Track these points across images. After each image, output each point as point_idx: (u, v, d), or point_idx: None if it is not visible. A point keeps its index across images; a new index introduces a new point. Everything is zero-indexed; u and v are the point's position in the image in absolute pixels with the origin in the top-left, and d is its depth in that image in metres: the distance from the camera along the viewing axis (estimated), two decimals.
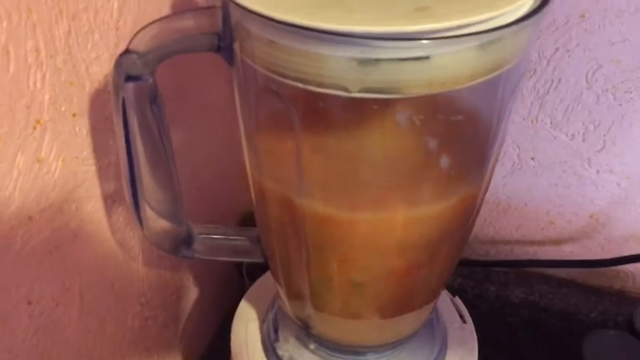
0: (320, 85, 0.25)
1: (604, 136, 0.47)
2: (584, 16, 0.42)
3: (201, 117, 0.49)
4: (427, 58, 0.24)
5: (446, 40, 0.23)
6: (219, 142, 0.54)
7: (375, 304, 0.35)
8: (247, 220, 0.61)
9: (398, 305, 0.36)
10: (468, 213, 0.33)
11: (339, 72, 0.24)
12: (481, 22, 0.23)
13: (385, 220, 0.30)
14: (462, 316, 0.45)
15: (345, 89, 0.24)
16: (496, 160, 0.32)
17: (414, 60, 0.24)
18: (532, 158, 0.50)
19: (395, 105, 0.25)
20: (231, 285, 0.63)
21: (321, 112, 0.26)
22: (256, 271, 0.49)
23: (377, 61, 0.23)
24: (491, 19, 0.24)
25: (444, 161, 0.28)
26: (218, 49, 0.29)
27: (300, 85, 0.25)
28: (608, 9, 0.42)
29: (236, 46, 0.28)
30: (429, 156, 0.28)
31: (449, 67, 0.24)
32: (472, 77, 0.25)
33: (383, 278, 0.34)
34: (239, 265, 0.64)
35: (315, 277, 0.34)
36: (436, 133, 0.27)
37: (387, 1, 0.25)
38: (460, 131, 0.28)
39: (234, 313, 0.45)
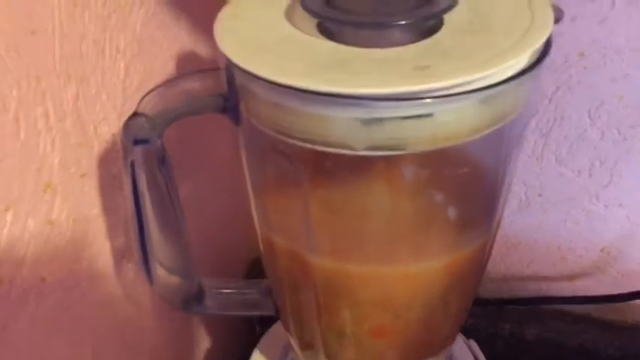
0: (326, 144, 0.25)
1: (610, 170, 0.47)
2: (583, 54, 0.43)
3: (207, 172, 0.49)
4: (430, 115, 0.24)
5: (448, 98, 0.23)
6: (225, 196, 0.54)
7: (390, 354, 0.35)
8: (255, 267, 0.61)
9: (413, 353, 0.36)
10: (479, 260, 0.33)
11: (344, 132, 0.24)
12: (481, 78, 0.24)
13: (395, 273, 0.30)
14: (477, 359, 0.44)
15: (351, 148, 0.25)
16: (503, 206, 0.33)
17: (417, 118, 0.24)
18: (539, 195, 0.50)
19: (400, 161, 0.26)
20: (242, 333, 0.63)
21: (328, 170, 0.26)
22: (267, 318, 0.49)
23: (381, 120, 0.24)
24: (490, 75, 0.24)
25: (452, 213, 0.28)
26: (224, 110, 0.29)
27: (306, 145, 0.25)
28: (607, 46, 0.42)
29: (242, 106, 0.28)
30: (437, 209, 0.28)
31: (451, 122, 0.25)
32: (475, 131, 0.26)
33: (397, 329, 0.33)
34: None
35: (327, 329, 0.34)
36: (442, 186, 0.27)
37: (387, 62, 0.25)
38: (466, 183, 0.28)
39: None
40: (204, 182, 0.49)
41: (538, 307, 0.54)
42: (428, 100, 0.23)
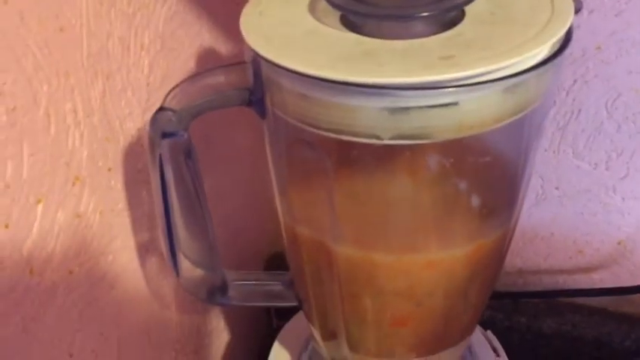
0: (352, 134, 0.25)
1: (627, 163, 0.47)
2: (600, 47, 0.43)
3: (229, 165, 0.50)
4: (455, 104, 0.24)
5: (472, 87, 0.24)
6: (245, 191, 0.55)
7: (411, 343, 0.36)
8: (275, 260, 0.62)
9: (434, 343, 0.36)
10: (499, 249, 0.34)
11: (371, 121, 0.25)
12: (505, 67, 0.24)
13: (418, 262, 0.30)
14: (495, 350, 0.45)
15: (377, 137, 0.25)
16: (524, 197, 0.33)
17: (442, 107, 0.24)
18: (556, 188, 0.50)
19: (425, 150, 0.26)
20: (260, 326, 0.63)
21: (354, 160, 0.27)
22: (285, 311, 0.49)
23: (407, 109, 0.24)
24: (513, 64, 0.24)
25: (475, 202, 0.29)
26: (249, 104, 0.30)
27: (333, 135, 0.26)
28: (624, 39, 0.42)
29: (267, 99, 0.29)
30: (460, 198, 0.28)
31: (476, 111, 0.25)
32: (498, 119, 0.26)
33: (419, 317, 0.34)
34: (267, 306, 0.64)
35: (350, 319, 0.35)
36: (466, 175, 0.28)
37: (412, 52, 0.26)
38: (488, 172, 0.28)
39: (266, 356, 0.45)
40: (226, 177, 0.49)
41: (554, 301, 0.54)
42: (453, 89, 0.24)
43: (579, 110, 0.46)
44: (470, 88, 0.24)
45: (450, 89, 0.24)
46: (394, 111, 0.24)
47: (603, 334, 0.53)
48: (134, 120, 0.37)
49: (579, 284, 0.54)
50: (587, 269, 0.53)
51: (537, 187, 0.50)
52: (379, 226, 0.29)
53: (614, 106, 0.45)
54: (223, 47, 0.45)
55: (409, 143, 0.25)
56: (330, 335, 0.37)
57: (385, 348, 0.36)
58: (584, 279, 0.54)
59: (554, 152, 0.48)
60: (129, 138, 0.37)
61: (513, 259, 0.55)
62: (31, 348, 0.31)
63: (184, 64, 0.41)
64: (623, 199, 0.49)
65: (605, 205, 0.49)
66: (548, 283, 0.55)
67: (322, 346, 0.38)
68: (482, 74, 0.24)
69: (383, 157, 0.26)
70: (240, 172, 0.53)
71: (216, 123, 0.46)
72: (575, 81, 0.45)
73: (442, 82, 0.23)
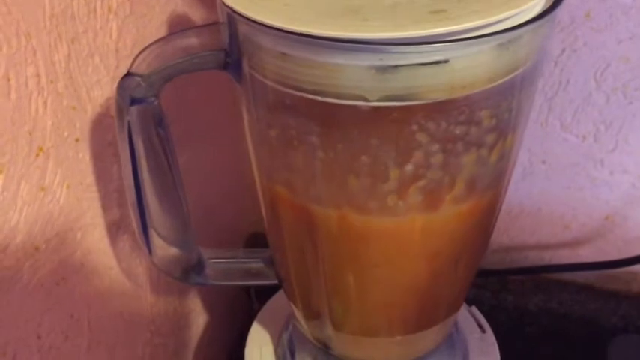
0: (337, 96, 0.24)
1: (616, 135, 0.46)
2: (589, 15, 0.42)
3: (203, 138, 0.48)
4: (446, 61, 0.23)
5: (466, 42, 0.22)
6: (223, 164, 0.53)
7: (397, 320, 0.34)
8: (254, 241, 0.60)
9: (420, 320, 0.35)
10: (487, 219, 0.32)
11: (357, 81, 0.23)
12: (499, 21, 0.23)
13: (404, 226, 0.29)
14: (481, 326, 0.44)
15: (364, 98, 0.23)
16: (514, 164, 0.32)
17: (433, 64, 0.23)
18: (543, 162, 0.49)
19: (414, 112, 0.24)
20: (239, 308, 0.62)
21: (339, 124, 0.25)
22: (265, 292, 0.48)
23: (396, 67, 0.23)
24: (508, 18, 0.23)
25: (465, 167, 0.27)
26: (225, 67, 0.28)
27: (316, 97, 0.24)
28: (613, 6, 0.41)
29: (244, 61, 0.27)
30: (449, 162, 0.27)
31: (468, 69, 0.24)
32: (491, 79, 0.25)
33: (404, 291, 0.33)
34: (247, 287, 0.62)
35: (333, 295, 0.33)
36: (455, 139, 0.26)
37: (399, 8, 0.24)
38: (479, 136, 0.27)
39: (245, 337, 0.44)
40: (201, 151, 0.47)
41: (540, 278, 0.54)
42: (445, 45, 0.22)
43: (567, 81, 0.45)
44: (462, 43, 0.22)
45: (442, 45, 0.22)
46: (382, 69, 0.23)
47: (590, 310, 0.52)
48: (102, 88, 0.34)
49: (566, 260, 0.53)
50: (574, 245, 0.53)
51: (524, 160, 0.49)
52: (366, 191, 0.27)
53: (602, 76, 0.44)
54: (197, 14, 0.42)
55: (398, 105, 0.24)
56: (312, 314, 0.36)
57: (370, 326, 0.35)
58: (570, 255, 0.53)
59: (541, 125, 0.47)
60: (97, 108, 0.34)
61: (500, 237, 0.54)
62: None
63: (156, 30, 0.39)
64: (611, 172, 0.48)
65: (592, 179, 0.48)
66: (535, 259, 0.55)
67: (304, 325, 0.37)
68: (475, 28, 0.22)
69: (370, 120, 0.25)
70: (217, 147, 0.51)
71: (189, 92, 0.44)
72: (563, 50, 0.43)
73: (433, 36, 0.22)
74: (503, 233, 0.54)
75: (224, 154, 0.52)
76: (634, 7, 0.41)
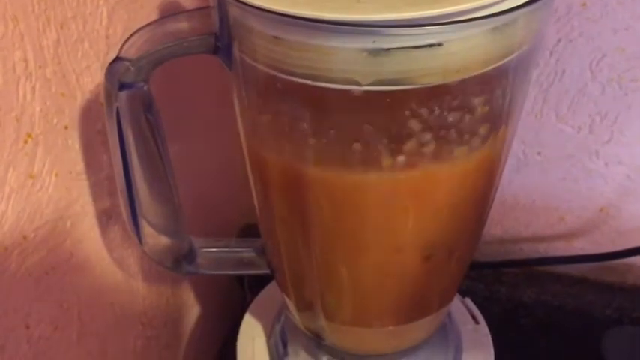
0: (329, 80, 0.23)
1: (611, 127, 0.45)
2: (585, 4, 0.41)
3: (195, 128, 0.48)
4: (440, 44, 0.22)
5: (460, 25, 0.22)
6: (214, 153, 0.52)
7: (389, 310, 0.34)
8: (247, 232, 0.60)
9: (413, 311, 0.35)
10: (480, 210, 0.32)
11: (349, 65, 0.23)
12: (494, 4, 0.22)
13: (396, 215, 0.28)
14: (474, 317, 0.43)
15: (357, 82, 0.23)
16: (507, 156, 0.31)
17: (427, 47, 0.22)
18: (538, 153, 0.48)
19: (407, 97, 0.24)
20: (232, 299, 0.61)
21: (330, 109, 0.25)
22: (258, 283, 0.47)
23: (389, 50, 0.22)
24: (503, 0, 0.22)
25: (457, 157, 0.27)
26: (215, 51, 0.27)
27: (308, 81, 0.24)
28: None
29: (235, 46, 0.26)
30: (442, 151, 0.26)
31: (462, 53, 0.23)
32: (485, 63, 0.24)
33: (396, 281, 0.32)
34: (240, 278, 0.62)
35: (325, 284, 0.33)
36: (448, 126, 0.26)
37: None
38: (473, 124, 0.26)
39: (237, 329, 0.44)
40: (191, 138, 0.47)
41: (534, 270, 0.53)
42: (439, 28, 0.22)
43: (563, 71, 0.44)
44: (457, 26, 0.22)
45: (436, 27, 0.22)
46: (375, 52, 0.22)
47: (584, 303, 0.52)
48: (92, 75, 0.34)
49: (560, 253, 0.53)
50: (569, 237, 0.52)
51: (519, 152, 0.49)
52: (356, 177, 0.27)
53: (598, 67, 0.44)
54: (189, 1, 0.42)
55: (390, 89, 0.23)
56: (305, 305, 0.35)
57: (362, 316, 0.34)
58: (565, 247, 0.53)
59: (536, 116, 0.47)
60: (87, 94, 0.34)
61: (494, 228, 0.54)
62: None
63: (147, 17, 0.38)
64: (606, 164, 0.47)
65: (588, 170, 0.48)
66: (529, 252, 0.54)
67: (296, 316, 0.37)
68: (469, 11, 0.22)
69: (362, 105, 0.24)
70: (208, 136, 0.50)
71: (179, 81, 0.43)
72: (559, 40, 0.43)
73: (427, 19, 0.21)
74: (498, 225, 0.54)
75: (216, 143, 0.52)
76: None
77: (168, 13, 0.40)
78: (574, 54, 0.43)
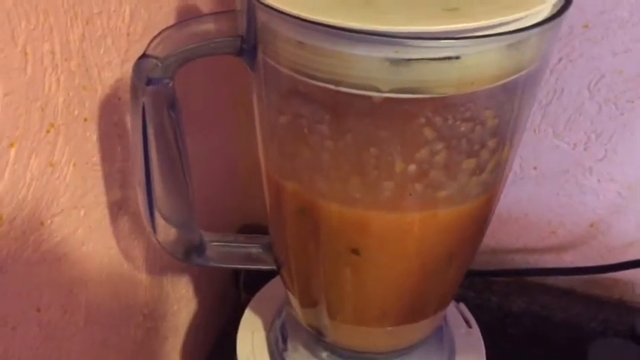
0: (351, 85, 0.25)
1: (605, 145, 0.47)
2: (587, 26, 0.43)
3: (197, 127, 0.49)
4: (458, 57, 0.24)
5: (478, 40, 0.23)
6: (219, 155, 0.53)
7: (390, 312, 0.35)
8: (245, 233, 0.61)
9: (412, 314, 0.36)
10: (481, 221, 0.33)
11: (371, 72, 0.24)
12: (510, 22, 0.24)
13: (403, 220, 0.30)
14: (467, 322, 0.45)
15: (377, 89, 0.24)
16: (512, 163, 0.33)
17: (444, 60, 0.24)
18: (534, 168, 0.50)
19: (423, 105, 0.25)
20: (227, 299, 0.62)
21: (350, 113, 0.26)
22: (253, 284, 0.48)
23: (409, 61, 0.23)
24: (520, 19, 0.24)
25: (465, 169, 0.28)
26: (240, 53, 0.29)
27: (330, 86, 0.25)
28: (611, 19, 0.42)
29: (260, 48, 0.28)
30: (452, 160, 0.28)
31: (477, 66, 0.25)
32: (498, 77, 0.26)
33: (399, 285, 0.33)
34: (236, 279, 0.63)
35: (331, 284, 0.34)
36: (460, 136, 0.27)
37: (414, 3, 0.25)
38: (482, 136, 0.28)
39: (232, 325, 0.45)
40: (199, 140, 0.48)
41: (525, 281, 0.55)
42: (459, 41, 0.23)
43: (562, 90, 0.46)
44: (475, 41, 0.23)
45: (456, 41, 0.23)
46: (396, 62, 0.23)
47: (571, 315, 0.53)
48: (112, 70, 0.35)
49: (550, 265, 0.54)
50: (559, 250, 0.54)
51: (515, 166, 0.50)
52: (371, 184, 0.28)
53: (596, 87, 0.45)
54: (206, 4, 0.43)
55: (408, 97, 0.25)
56: (309, 302, 0.36)
57: (364, 316, 0.36)
58: (555, 260, 0.54)
59: (534, 131, 0.48)
60: (106, 89, 0.35)
61: (487, 239, 0.55)
62: None
63: (167, 16, 0.39)
64: (599, 180, 0.49)
65: (581, 186, 0.50)
66: (520, 263, 0.56)
67: (299, 312, 0.38)
68: (487, 27, 0.23)
69: (380, 111, 0.26)
70: (214, 137, 0.51)
71: (189, 83, 0.44)
72: (560, 59, 0.45)
73: (448, 32, 0.23)
74: (490, 236, 0.55)
75: (218, 144, 0.53)
76: (630, 22, 0.42)
77: (184, 15, 0.41)
78: (574, 73, 0.45)
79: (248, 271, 0.60)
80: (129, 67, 0.36)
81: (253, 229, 0.61)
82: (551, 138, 0.48)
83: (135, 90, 0.30)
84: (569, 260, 0.54)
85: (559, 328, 0.53)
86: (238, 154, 0.57)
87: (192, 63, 0.31)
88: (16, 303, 0.31)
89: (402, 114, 0.26)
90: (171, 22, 0.40)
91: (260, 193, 0.35)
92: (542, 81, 0.45)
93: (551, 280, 0.55)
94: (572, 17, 0.43)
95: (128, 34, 0.36)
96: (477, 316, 0.46)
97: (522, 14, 0.24)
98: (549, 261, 0.55)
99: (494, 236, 0.55)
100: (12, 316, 0.31)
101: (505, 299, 0.54)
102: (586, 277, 0.54)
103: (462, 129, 0.27)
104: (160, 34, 0.30)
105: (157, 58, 0.29)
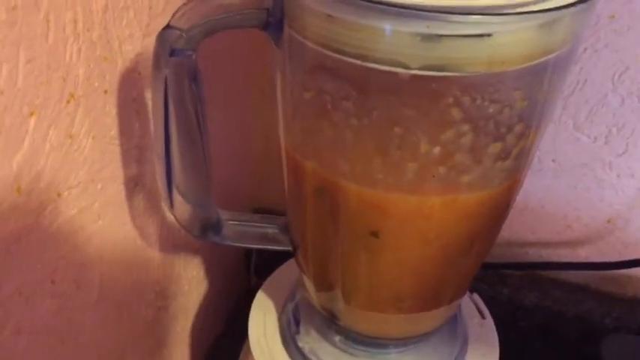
0: (379, 61, 0.24)
1: (627, 139, 0.47)
2: (613, 16, 0.42)
3: (215, 108, 0.48)
4: (490, 35, 0.23)
5: (511, 17, 0.23)
6: (231, 136, 0.53)
7: (406, 298, 0.35)
8: None
9: (428, 301, 0.36)
10: (505, 204, 0.33)
11: (400, 47, 0.24)
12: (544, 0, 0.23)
13: (424, 204, 0.29)
14: (481, 313, 0.44)
15: (405, 66, 0.24)
16: (535, 152, 0.32)
17: (477, 37, 0.23)
18: (553, 160, 0.49)
19: (452, 83, 0.25)
20: (237, 282, 0.62)
21: (376, 90, 0.26)
22: (264, 268, 0.48)
23: (440, 37, 0.23)
24: None
25: (492, 147, 0.28)
26: (265, 26, 0.28)
27: (357, 61, 0.24)
28: (638, 10, 0.42)
29: (285, 22, 0.27)
30: (477, 144, 0.27)
31: (509, 45, 0.24)
32: (529, 58, 0.25)
33: (417, 271, 0.33)
34: (247, 262, 0.63)
35: (348, 268, 0.33)
36: (487, 117, 0.26)
37: None
38: (510, 119, 0.27)
39: (241, 310, 0.44)
40: (215, 121, 0.48)
41: (538, 275, 0.54)
42: (492, 17, 0.23)
43: (585, 80, 0.45)
44: (508, 18, 0.23)
45: (489, 17, 0.23)
46: (427, 37, 0.23)
47: (584, 310, 0.53)
48: (134, 43, 0.35)
49: (565, 259, 0.54)
50: (574, 244, 0.53)
51: (534, 157, 0.50)
52: (395, 164, 0.28)
53: (620, 79, 0.45)
54: None
55: (437, 75, 0.24)
56: (324, 286, 0.36)
57: (379, 302, 0.35)
58: (570, 254, 0.54)
59: (554, 123, 0.48)
60: (127, 62, 0.35)
61: (502, 231, 0.55)
62: (11, 269, 0.30)
63: None
64: (619, 175, 0.48)
65: (600, 180, 0.49)
66: (534, 256, 0.55)
67: (314, 295, 0.37)
68: (521, 4, 0.23)
69: (407, 88, 0.25)
70: (227, 119, 0.51)
71: (210, 64, 0.44)
72: (585, 49, 0.44)
73: (482, 8, 0.22)
74: (505, 228, 0.54)
75: (234, 127, 0.53)
76: None
77: None
78: (598, 64, 0.44)
79: (259, 254, 0.60)
80: (149, 41, 0.36)
81: (262, 212, 0.60)
82: (572, 130, 0.48)
83: (158, 61, 0.29)
84: (583, 255, 0.53)
85: (571, 324, 0.53)
86: (251, 136, 0.57)
87: (208, 42, 0.30)
88: (31, 274, 0.31)
89: (430, 93, 0.25)
90: None
91: (272, 176, 0.35)
92: (571, 66, 0.44)
93: (564, 274, 0.54)
94: (599, 7, 0.42)
95: (150, 8, 0.36)
96: (489, 308, 0.46)
97: None
98: (564, 255, 0.54)
99: (510, 227, 0.55)
100: (27, 287, 0.31)
101: (517, 292, 0.54)
102: (600, 272, 0.53)
103: (490, 110, 0.26)
104: (183, 6, 0.30)
105: (180, 29, 0.28)
